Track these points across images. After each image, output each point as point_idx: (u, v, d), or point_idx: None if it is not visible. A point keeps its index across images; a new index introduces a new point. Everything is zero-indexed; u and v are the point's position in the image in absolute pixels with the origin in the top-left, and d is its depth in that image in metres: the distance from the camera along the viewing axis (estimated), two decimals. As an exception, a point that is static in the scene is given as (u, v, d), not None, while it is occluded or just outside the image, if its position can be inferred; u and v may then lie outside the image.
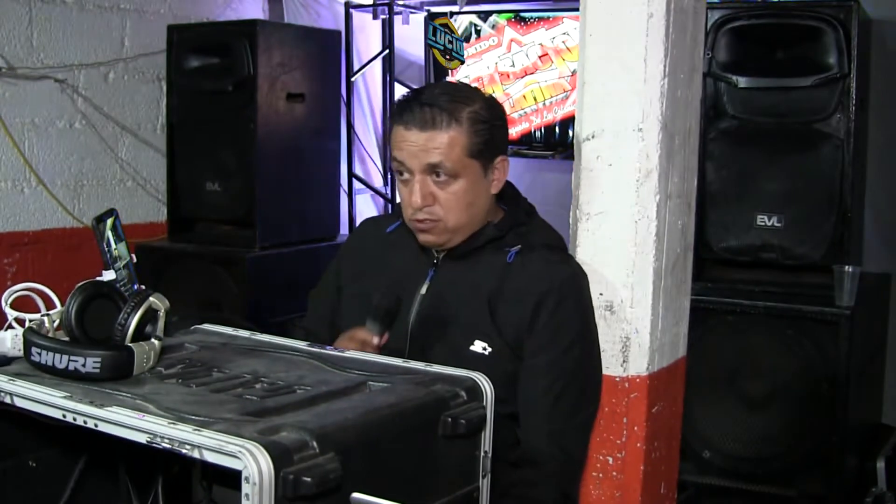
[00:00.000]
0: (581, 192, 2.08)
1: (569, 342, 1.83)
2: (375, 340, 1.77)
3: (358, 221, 3.99)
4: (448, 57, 4.44)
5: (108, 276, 1.60)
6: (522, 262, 1.86)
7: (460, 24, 4.82)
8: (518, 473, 1.76)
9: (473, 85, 1.94)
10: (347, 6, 5.06)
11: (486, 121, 1.82)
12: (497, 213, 1.94)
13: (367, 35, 5.21)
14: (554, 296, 1.82)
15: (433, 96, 1.81)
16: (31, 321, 1.44)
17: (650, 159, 2.00)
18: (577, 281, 1.89)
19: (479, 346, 1.80)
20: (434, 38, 4.40)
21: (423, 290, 1.89)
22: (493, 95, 1.94)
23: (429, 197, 1.82)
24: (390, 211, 4.80)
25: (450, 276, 1.89)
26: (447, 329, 1.83)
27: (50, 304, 1.50)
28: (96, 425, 1.20)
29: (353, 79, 5.06)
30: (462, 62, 4.61)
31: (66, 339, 1.38)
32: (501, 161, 1.89)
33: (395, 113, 1.84)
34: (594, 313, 1.96)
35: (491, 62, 4.84)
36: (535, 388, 1.81)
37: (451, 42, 4.41)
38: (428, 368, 1.48)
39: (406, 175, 1.83)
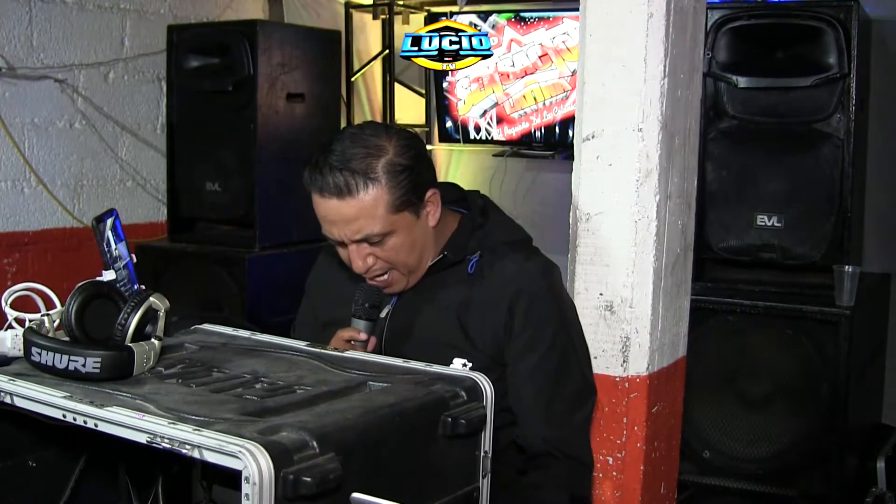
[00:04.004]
0: (581, 192, 2.08)
1: (550, 340, 1.79)
2: (362, 336, 1.78)
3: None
4: (450, 58, 4.40)
5: (108, 276, 1.60)
6: (485, 269, 1.81)
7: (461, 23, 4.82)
8: (525, 478, 1.75)
9: (381, 124, 1.78)
10: (347, 6, 5.06)
11: (404, 168, 1.71)
12: (450, 224, 1.87)
13: (367, 35, 5.22)
14: (525, 296, 1.78)
15: (344, 156, 1.69)
16: (31, 321, 1.44)
17: (650, 159, 2.01)
18: (545, 276, 1.83)
19: (458, 364, 1.75)
20: (417, 48, 4.32)
21: (385, 314, 1.85)
22: (403, 127, 1.81)
23: (369, 259, 1.75)
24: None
25: (413, 298, 1.85)
26: (420, 352, 1.73)
27: (50, 304, 1.50)
28: (96, 425, 1.20)
29: (353, 79, 5.06)
30: (485, 56, 4.42)
31: (66, 339, 1.38)
32: (432, 195, 1.79)
33: (308, 177, 1.71)
34: (572, 304, 1.92)
35: (491, 62, 4.84)
36: (526, 394, 1.78)
37: (453, 42, 4.38)
38: (428, 368, 1.48)
39: (337, 242, 1.77)
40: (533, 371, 1.78)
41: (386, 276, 1.80)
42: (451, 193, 1.92)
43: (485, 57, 4.38)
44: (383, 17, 5.11)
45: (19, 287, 1.51)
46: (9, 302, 1.49)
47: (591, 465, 1.87)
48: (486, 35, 4.37)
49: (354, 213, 1.70)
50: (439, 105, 5.10)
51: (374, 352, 1.80)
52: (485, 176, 4.94)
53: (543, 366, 1.78)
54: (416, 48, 4.27)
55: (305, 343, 1.61)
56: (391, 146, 1.72)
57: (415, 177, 1.74)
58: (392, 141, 1.73)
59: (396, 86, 5.10)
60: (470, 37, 4.29)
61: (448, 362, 1.71)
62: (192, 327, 1.70)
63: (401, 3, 5.02)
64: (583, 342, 1.91)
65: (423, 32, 4.31)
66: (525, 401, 1.78)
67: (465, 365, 1.72)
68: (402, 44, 4.29)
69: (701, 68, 2.24)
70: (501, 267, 1.81)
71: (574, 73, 4.50)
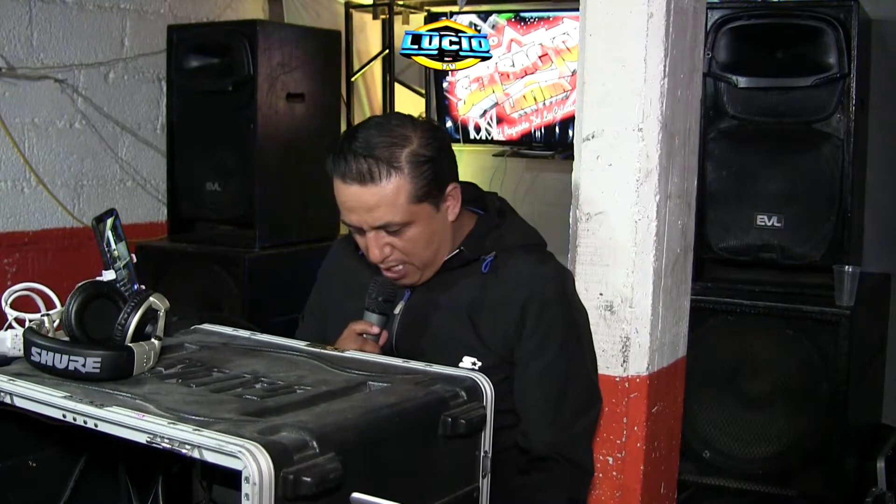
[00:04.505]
0: (581, 192, 2.08)
1: (559, 345, 1.79)
2: (375, 329, 1.78)
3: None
4: (450, 59, 4.39)
5: (108, 276, 1.60)
6: (500, 270, 1.81)
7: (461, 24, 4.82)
8: (524, 479, 1.75)
9: (406, 115, 1.80)
10: (347, 6, 5.06)
11: (427, 159, 1.72)
12: (466, 223, 1.88)
13: (367, 35, 5.22)
14: (537, 300, 1.78)
15: (368, 144, 1.70)
16: (31, 321, 1.44)
17: (650, 159, 2.01)
18: (558, 280, 1.84)
19: (468, 363, 1.75)
20: (417, 47, 4.31)
21: (398, 311, 1.85)
22: (430, 119, 1.82)
23: (386, 248, 1.76)
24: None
25: (426, 294, 1.85)
26: (431, 349, 1.76)
27: (50, 304, 1.50)
28: (96, 425, 1.20)
29: (353, 79, 5.06)
30: (485, 58, 4.41)
31: (66, 339, 1.38)
32: (452, 189, 1.80)
33: (331, 163, 1.73)
34: (583, 310, 1.92)
35: (491, 62, 4.84)
36: (533, 397, 1.78)
37: (453, 43, 4.36)
38: (428, 368, 1.48)
39: (356, 229, 1.77)
40: (541, 374, 1.78)
41: (400, 268, 1.80)
42: (470, 193, 1.92)
43: (484, 59, 4.37)
44: (383, 17, 5.11)
45: (19, 287, 1.51)
46: (9, 302, 1.49)
47: (592, 473, 1.86)
48: (485, 37, 4.37)
49: (375, 200, 1.70)
50: (439, 105, 5.10)
51: (385, 346, 1.81)
52: (485, 176, 4.94)
53: (552, 370, 1.78)
54: (416, 46, 4.26)
55: (305, 343, 1.61)
56: (416, 136, 1.73)
57: (437, 169, 1.74)
58: (417, 132, 1.74)
59: (396, 86, 5.10)
60: (470, 38, 4.28)
61: (458, 360, 1.72)
62: (192, 327, 1.70)
63: (401, 3, 5.02)
64: (592, 349, 1.91)
65: (423, 31, 4.31)
66: (531, 403, 1.78)
67: (474, 364, 1.73)
68: (403, 41, 4.28)
69: (701, 68, 2.24)
70: (515, 268, 1.81)
71: (574, 73, 4.50)
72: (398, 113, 1.88)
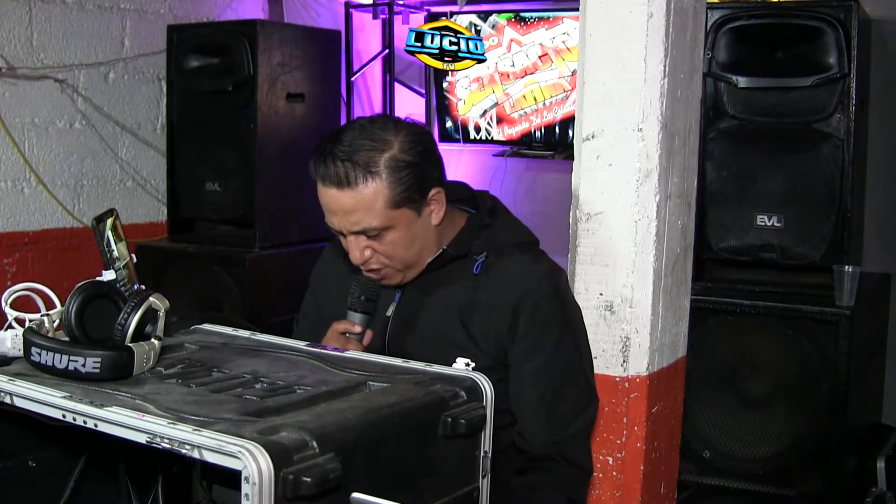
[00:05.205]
0: (581, 192, 2.08)
1: (554, 345, 1.77)
2: (357, 329, 1.78)
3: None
4: (450, 59, 4.39)
5: (108, 276, 1.60)
6: (491, 270, 1.80)
7: (460, 24, 4.82)
8: (522, 479, 1.74)
9: (392, 118, 1.79)
10: (347, 6, 5.06)
11: (407, 165, 1.70)
12: (457, 222, 1.86)
13: (367, 35, 5.22)
14: (530, 300, 1.77)
15: (348, 148, 1.69)
16: (31, 321, 1.44)
17: (650, 159, 2.01)
18: (551, 279, 1.82)
19: (461, 364, 1.74)
20: (420, 44, 4.31)
21: (390, 312, 1.85)
22: (415, 123, 1.80)
23: (366, 251, 1.75)
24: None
25: (417, 296, 1.84)
26: (424, 350, 1.74)
27: (50, 304, 1.50)
28: (96, 425, 1.20)
29: (353, 79, 5.06)
30: (479, 60, 4.41)
31: (66, 339, 1.38)
32: (436, 193, 1.77)
33: (313, 164, 1.72)
34: (577, 308, 1.91)
35: (491, 62, 4.84)
36: (529, 397, 1.77)
37: (452, 43, 4.36)
38: (427, 368, 1.48)
39: (337, 231, 1.77)
40: (536, 374, 1.77)
41: (382, 270, 1.79)
42: (461, 193, 1.91)
43: (479, 61, 4.38)
44: (383, 17, 5.11)
45: (19, 287, 1.51)
46: (9, 302, 1.49)
47: (590, 472, 1.85)
48: (481, 40, 4.37)
49: (353, 204, 1.70)
50: (439, 105, 5.10)
51: (377, 348, 1.80)
52: (485, 176, 4.94)
53: (547, 370, 1.77)
54: (419, 44, 4.27)
55: (305, 343, 1.61)
56: (397, 141, 1.71)
57: (418, 174, 1.72)
58: (399, 136, 1.72)
59: (396, 86, 5.10)
60: (467, 39, 4.29)
61: (451, 361, 1.70)
62: (192, 327, 1.70)
63: (401, 3, 5.02)
64: (587, 347, 1.89)
65: (425, 29, 4.31)
66: (527, 404, 1.77)
67: (467, 365, 1.72)
68: (407, 38, 4.29)
69: (701, 68, 2.24)
70: (507, 268, 1.80)
71: (574, 73, 4.50)
72: (385, 115, 1.88)
